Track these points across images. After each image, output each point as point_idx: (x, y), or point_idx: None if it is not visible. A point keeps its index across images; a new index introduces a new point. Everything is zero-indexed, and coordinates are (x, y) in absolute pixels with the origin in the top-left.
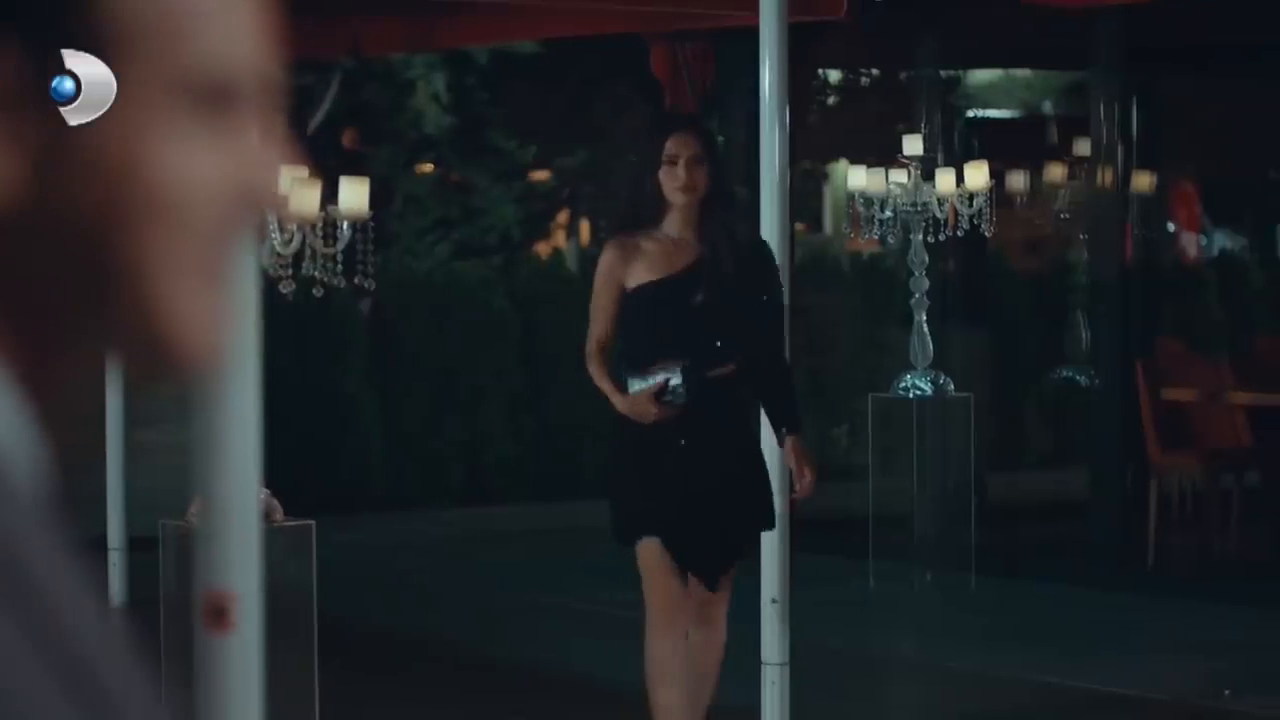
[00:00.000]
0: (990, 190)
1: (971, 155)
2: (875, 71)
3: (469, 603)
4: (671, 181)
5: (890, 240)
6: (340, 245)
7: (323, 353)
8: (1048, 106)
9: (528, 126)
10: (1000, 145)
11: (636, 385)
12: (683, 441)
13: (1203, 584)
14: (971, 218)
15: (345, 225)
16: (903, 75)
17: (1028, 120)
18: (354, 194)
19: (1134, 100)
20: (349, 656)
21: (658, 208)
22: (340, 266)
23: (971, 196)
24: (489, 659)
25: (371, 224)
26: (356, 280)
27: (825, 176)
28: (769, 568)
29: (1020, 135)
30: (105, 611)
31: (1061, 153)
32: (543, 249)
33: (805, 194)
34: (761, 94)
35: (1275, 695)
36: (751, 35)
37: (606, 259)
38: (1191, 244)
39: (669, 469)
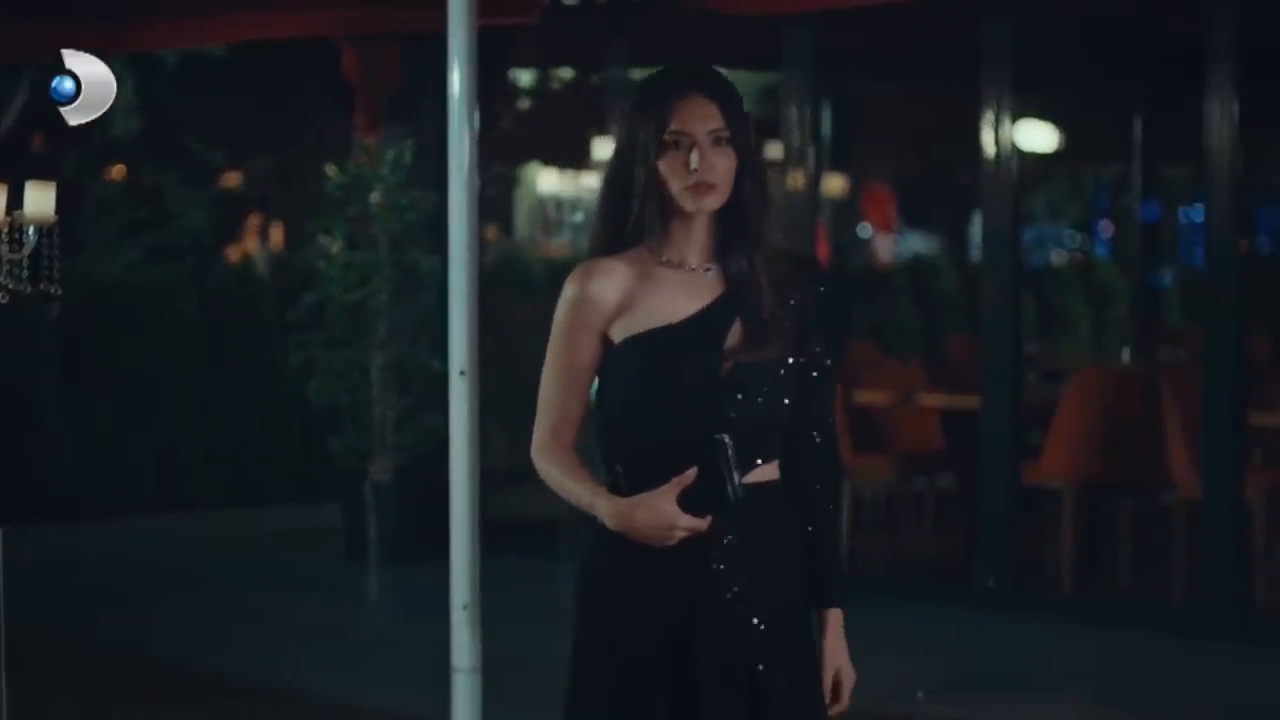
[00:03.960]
0: None
1: None
2: (568, 74)
3: (161, 610)
4: (678, 177)
5: (582, 243)
6: (26, 250)
7: (9, 359)
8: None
9: (218, 130)
10: None
11: (635, 485)
12: (728, 539)
13: (895, 585)
14: None
15: (31, 230)
16: (595, 78)
17: None
18: (40, 198)
19: (826, 104)
20: (38, 666)
21: (657, 217)
22: (26, 272)
23: None
24: (182, 667)
25: (57, 228)
26: (43, 286)
27: (517, 180)
28: (459, 572)
29: None
30: None
31: None
32: (233, 253)
33: (497, 198)
34: (450, 97)
35: (968, 695)
36: (443, 38)
37: (576, 295)
38: (885, 246)
39: (698, 616)
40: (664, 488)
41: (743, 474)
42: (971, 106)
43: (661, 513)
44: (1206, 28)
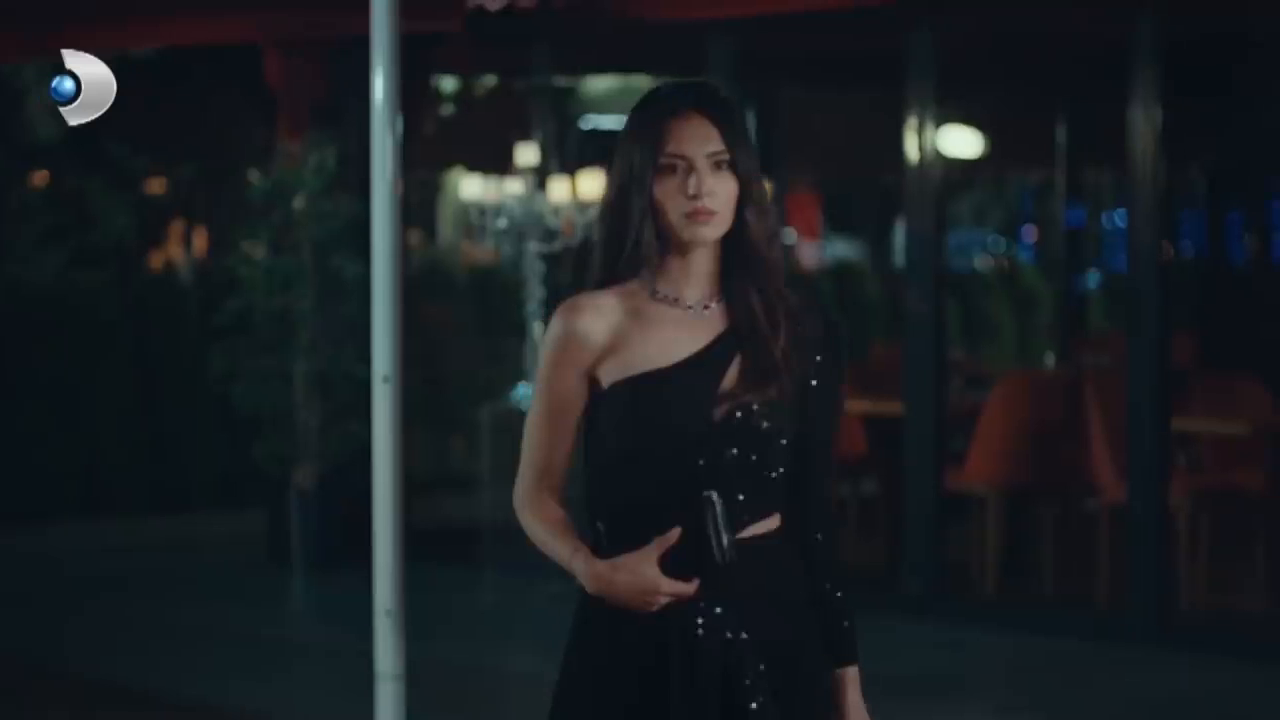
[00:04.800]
0: None
1: (587, 163)
2: (492, 81)
3: (83, 618)
4: (676, 204)
5: (506, 250)
6: None
7: None
8: None
9: (142, 135)
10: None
11: (617, 545)
12: (717, 609)
13: None
14: (587, 226)
15: None
16: (519, 84)
17: None
18: None
19: (749, 110)
20: None
21: (654, 247)
22: None
23: (586, 205)
24: (103, 677)
25: None
26: None
27: (440, 186)
28: (382, 577)
29: None
30: None
31: None
32: (157, 259)
33: (420, 204)
34: (373, 102)
35: (892, 701)
36: (366, 43)
37: (562, 332)
38: (809, 252)
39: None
40: (645, 549)
41: (735, 532)
42: (895, 112)
43: (642, 576)
44: (1129, 33)
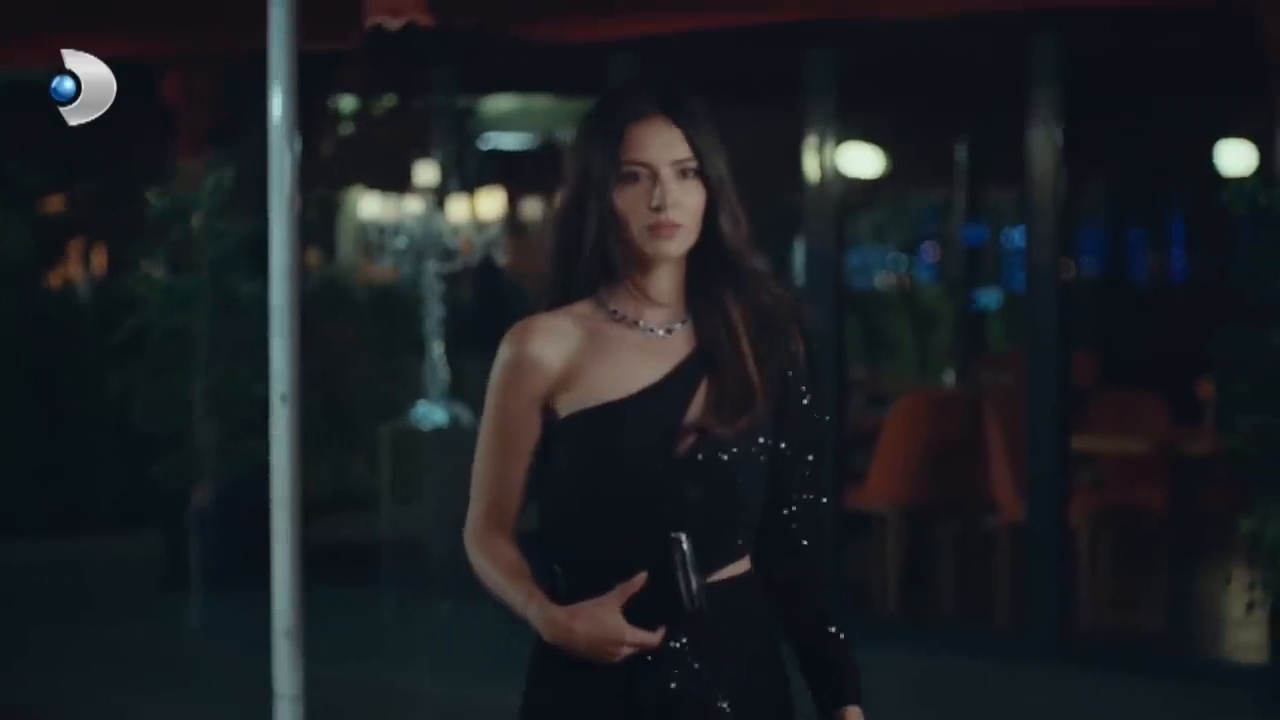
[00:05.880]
0: (504, 218)
1: (486, 183)
2: (390, 100)
3: None
4: (637, 216)
5: (405, 269)
6: None
7: None
8: (562, 134)
9: (40, 152)
10: (516, 173)
11: (576, 590)
12: (690, 663)
13: None
14: (486, 245)
15: None
16: (418, 103)
17: (544, 148)
18: None
19: None
20: None
21: (613, 263)
22: None
23: (485, 224)
24: (1, 702)
25: None
26: None
27: (339, 205)
28: (281, 598)
29: (536, 163)
30: None
31: None
32: (55, 277)
33: (319, 222)
34: (270, 121)
35: None
36: (264, 62)
37: (512, 358)
38: None
39: None
40: (607, 595)
41: (705, 576)
42: (795, 131)
43: (604, 625)
44: (1029, 51)
